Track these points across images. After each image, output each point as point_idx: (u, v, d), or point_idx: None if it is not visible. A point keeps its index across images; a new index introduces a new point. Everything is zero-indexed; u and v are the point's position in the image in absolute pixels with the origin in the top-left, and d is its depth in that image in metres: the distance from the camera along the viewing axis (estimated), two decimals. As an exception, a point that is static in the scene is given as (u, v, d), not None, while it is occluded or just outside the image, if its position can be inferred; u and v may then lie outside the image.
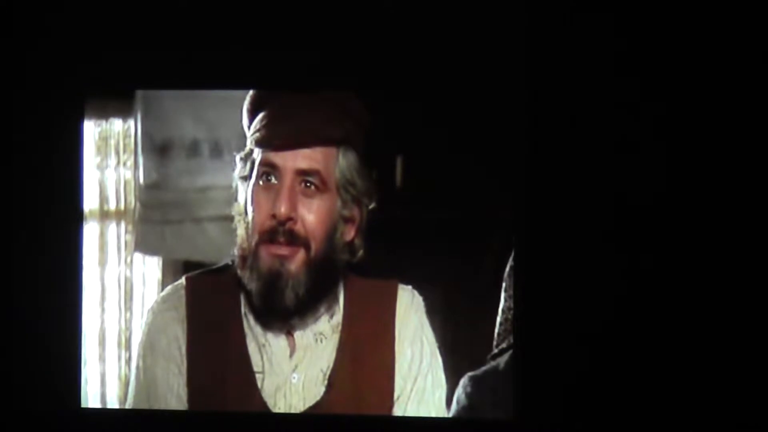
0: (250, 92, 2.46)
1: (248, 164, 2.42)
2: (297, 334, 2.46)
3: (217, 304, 2.49)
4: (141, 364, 2.49)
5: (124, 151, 2.65)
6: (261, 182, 2.40)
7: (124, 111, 2.65)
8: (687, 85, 2.59)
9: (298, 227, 2.38)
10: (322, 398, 2.46)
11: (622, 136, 2.60)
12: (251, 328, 2.47)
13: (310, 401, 2.46)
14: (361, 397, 2.48)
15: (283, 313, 2.43)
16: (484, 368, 2.55)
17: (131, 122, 2.64)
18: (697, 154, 2.59)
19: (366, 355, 2.47)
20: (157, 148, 2.62)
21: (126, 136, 2.65)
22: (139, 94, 2.63)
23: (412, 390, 2.47)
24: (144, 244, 2.63)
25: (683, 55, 2.59)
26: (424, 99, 2.59)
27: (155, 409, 2.52)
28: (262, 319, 2.46)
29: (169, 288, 2.52)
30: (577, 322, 2.60)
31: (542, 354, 2.59)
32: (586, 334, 2.60)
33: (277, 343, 2.46)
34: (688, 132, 2.59)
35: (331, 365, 2.46)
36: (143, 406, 2.51)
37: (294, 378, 2.46)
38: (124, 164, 2.65)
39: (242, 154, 2.44)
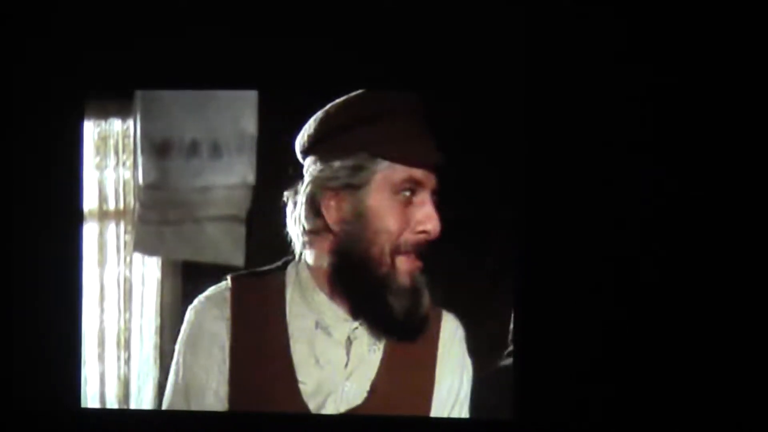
0: (362, 98, 2.48)
1: (363, 174, 2.43)
2: (355, 344, 2.48)
3: (263, 308, 2.49)
4: (181, 361, 2.49)
5: (124, 151, 2.65)
6: (400, 196, 2.43)
7: (124, 111, 2.65)
8: (689, 85, 2.59)
9: None
10: (362, 405, 2.48)
11: (623, 135, 2.60)
12: (311, 334, 2.47)
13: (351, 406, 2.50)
14: (399, 411, 2.51)
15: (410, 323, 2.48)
16: (488, 369, 2.55)
17: (131, 122, 2.64)
18: (699, 154, 2.58)
19: (407, 372, 2.50)
20: (157, 148, 2.62)
21: (125, 136, 2.65)
22: (139, 94, 2.63)
23: (448, 416, 2.51)
24: (143, 245, 2.63)
25: (685, 54, 2.59)
26: (423, 99, 2.58)
27: (155, 409, 2.53)
28: (329, 328, 2.47)
29: (212, 287, 2.51)
30: (578, 322, 2.60)
31: (542, 354, 2.59)
32: (586, 334, 2.60)
33: (335, 352, 2.47)
34: (689, 132, 2.59)
35: (375, 377, 2.48)
36: (181, 404, 2.51)
37: (347, 386, 2.48)
38: (124, 164, 2.65)
39: (350, 164, 2.43)
